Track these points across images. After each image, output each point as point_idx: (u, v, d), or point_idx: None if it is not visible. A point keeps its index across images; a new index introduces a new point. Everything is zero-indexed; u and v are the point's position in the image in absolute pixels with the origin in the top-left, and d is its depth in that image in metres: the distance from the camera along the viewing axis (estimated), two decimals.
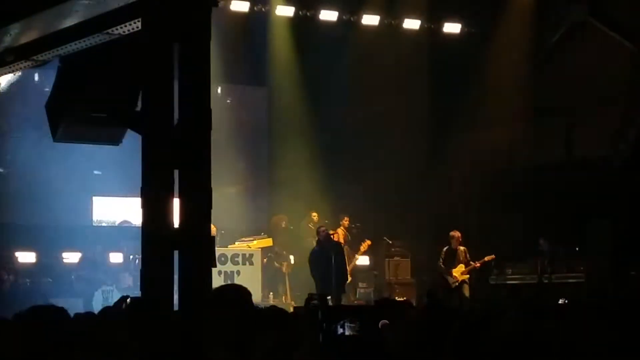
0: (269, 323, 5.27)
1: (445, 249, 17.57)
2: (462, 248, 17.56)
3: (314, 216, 18.99)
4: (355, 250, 18.68)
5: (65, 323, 4.75)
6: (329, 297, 16.00)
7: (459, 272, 17.39)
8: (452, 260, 17.43)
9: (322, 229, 17.01)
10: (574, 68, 19.02)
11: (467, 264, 17.47)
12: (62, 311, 4.85)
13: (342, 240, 17.94)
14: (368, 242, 18.69)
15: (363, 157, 19.88)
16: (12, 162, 18.88)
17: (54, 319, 4.73)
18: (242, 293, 4.14)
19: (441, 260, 17.48)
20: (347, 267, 17.43)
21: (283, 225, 19.29)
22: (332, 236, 16.89)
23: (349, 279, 17.54)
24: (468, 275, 17.51)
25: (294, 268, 18.66)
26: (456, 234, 17.60)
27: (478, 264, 17.56)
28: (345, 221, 18.81)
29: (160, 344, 4.78)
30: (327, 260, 16.35)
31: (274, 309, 6.61)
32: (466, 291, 17.35)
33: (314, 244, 16.96)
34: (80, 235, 17.91)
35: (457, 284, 17.27)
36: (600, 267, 16.24)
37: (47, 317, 4.73)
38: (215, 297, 4.12)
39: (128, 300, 7.09)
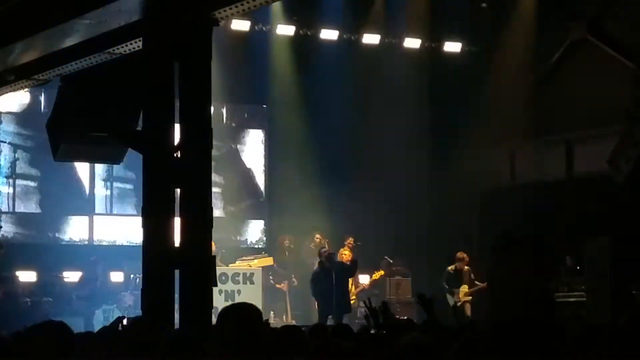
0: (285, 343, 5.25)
1: (450, 268, 17.53)
2: (467, 268, 17.54)
3: (317, 238, 18.94)
4: (362, 270, 18.54)
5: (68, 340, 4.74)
6: (329, 317, 16.04)
7: (462, 292, 17.37)
8: (457, 280, 17.41)
9: (324, 249, 16.97)
10: (574, 86, 19.04)
11: (471, 285, 17.42)
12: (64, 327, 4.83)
13: (347, 261, 17.88)
14: (381, 272, 18.64)
15: (364, 176, 19.87)
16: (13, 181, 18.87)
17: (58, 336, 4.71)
18: (252, 312, 4.11)
19: (445, 279, 17.46)
20: (350, 288, 17.36)
21: (286, 245, 19.26)
22: (333, 256, 16.83)
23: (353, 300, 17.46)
24: (471, 297, 17.47)
25: (294, 287, 18.62)
26: (464, 256, 17.57)
27: (486, 286, 17.47)
28: (350, 241, 18.75)
29: None
30: (328, 281, 16.31)
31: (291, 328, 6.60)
32: (468, 311, 17.31)
33: (316, 264, 16.94)
34: (81, 254, 17.90)
35: (459, 303, 17.24)
36: (601, 285, 16.20)
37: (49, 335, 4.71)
38: (225, 316, 4.07)
39: (124, 320, 7.08)
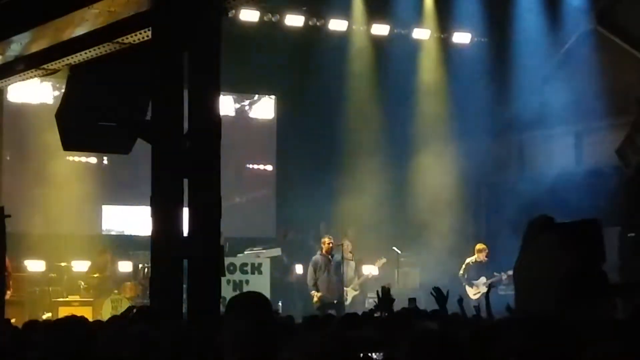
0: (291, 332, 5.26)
1: (470, 260, 17.47)
2: (486, 259, 17.48)
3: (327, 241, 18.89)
4: (364, 262, 18.53)
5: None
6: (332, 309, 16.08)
7: (480, 283, 17.33)
8: (476, 271, 17.35)
9: (326, 239, 16.96)
10: (583, 77, 18.98)
11: (489, 276, 17.36)
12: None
13: (347, 253, 17.86)
14: (383, 260, 18.64)
15: (373, 166, 19.85)
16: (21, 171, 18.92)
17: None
18: (261, 300, 4.11)
19: (465, 271, 17.41)
20: (353, 278, 17.39)
21: (289, 235, 19.28)
22: (335, 247, 16.85)
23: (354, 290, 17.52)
24: (487, 289, 17.39)
25: (300, 278, 18.63)
26: (484, 247, 17.51)
27: (505, 276, 17.39)
28: (350, 233, 18.74)
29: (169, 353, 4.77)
30: (328, 270, 16.41)
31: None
32: (482, 303, 17.23)
33: (317, 253, 16.98)
34: (90, 244, 17.93)
35: (478, 295, 17.19)
36: (611, 277, 16.17)
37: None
38: (235, 304, 4.07)
39: (134, 310, 7.11)
